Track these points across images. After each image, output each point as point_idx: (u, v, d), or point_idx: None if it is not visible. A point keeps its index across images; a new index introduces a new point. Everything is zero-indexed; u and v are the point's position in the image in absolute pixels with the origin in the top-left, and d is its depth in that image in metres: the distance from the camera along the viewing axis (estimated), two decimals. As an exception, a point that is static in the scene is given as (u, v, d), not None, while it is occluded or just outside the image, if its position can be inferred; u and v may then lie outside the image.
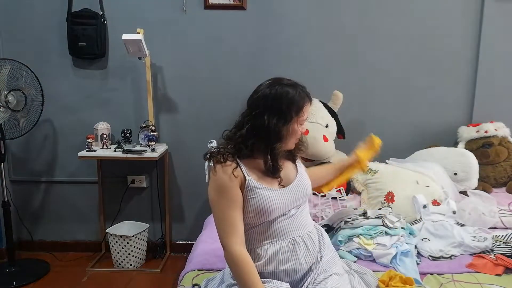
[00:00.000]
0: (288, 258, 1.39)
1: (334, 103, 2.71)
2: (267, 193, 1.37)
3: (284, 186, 1.43)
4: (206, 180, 1.41)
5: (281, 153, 1.41)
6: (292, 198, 1.43)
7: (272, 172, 1.40)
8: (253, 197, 1.36)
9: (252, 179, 1.37)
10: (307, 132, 2.44)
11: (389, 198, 2.24)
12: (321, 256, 1.45)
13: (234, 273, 1.34)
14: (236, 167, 1.36)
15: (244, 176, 1.36)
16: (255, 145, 1.37)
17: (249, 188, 1.36)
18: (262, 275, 1.35)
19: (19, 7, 2.81)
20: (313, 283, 1.39)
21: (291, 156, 1.52)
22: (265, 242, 1.40)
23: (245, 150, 1.37)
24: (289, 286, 1.37)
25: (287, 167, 1.48)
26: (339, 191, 2.36)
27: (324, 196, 2.22)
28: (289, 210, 1.43)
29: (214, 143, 1.51)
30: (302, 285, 1.41)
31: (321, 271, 1.42)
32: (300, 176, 1.49)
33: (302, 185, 1.47)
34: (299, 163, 1.55)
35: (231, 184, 1.34)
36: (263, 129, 1.35)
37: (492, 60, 2.76)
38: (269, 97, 1.37)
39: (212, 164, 1.37)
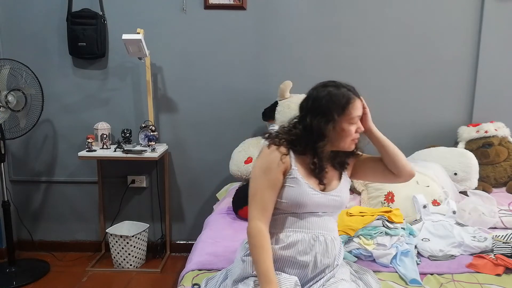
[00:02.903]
0: (306, 251, 1.42)
1: (334, 103, 2.71)
2: (306, 188, 1.41)
3: (323, 191, 1.45)
4: (255, 157, 1.48)
5: (326, 152, 1.43)
6: (325, 205, 1.46)
7: (317, 170, 1.43)
8: (292, 187, 1.41)
9: (297, 170, 1.42)
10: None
11: (389, 198, 2.24)
12: (337, 264, 1.48)
13: (250, 245, 1.39)
14: (287, 155, 1.41)
15: (291, 165, 1.41)
16: (307, 145, 1.42)
17: (291, 176, 1.41)
18: (277, 260, 1.40)
19: (19, 7, 2.81)
20: (323, 286, 1.41)
21: (340, 164, 1.52)
22: (290, 229, 1.44)
23: (299, 147, 1.43)
24: (298, 280, 1.39)
25: (330, 175, 1.49)
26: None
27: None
28: (319, 212, 1.46)
29: (276, 127, 1.54)
30: (311, 286, 1.43)
31: (330, 276, 1.45)
32: (340, 189, 1.50)
33: (338, 197, 1.48)
34: (345, 174, 1.55)
35: (276, 168, 1.39)
36: (308, 130, 1.41)
37: (492, 60, 2.76)
38: (310, 99, 1.44)
39: (268, 143, 1.43)
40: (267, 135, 1.47)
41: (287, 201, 1.40)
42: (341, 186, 1.50)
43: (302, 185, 1.40)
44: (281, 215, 1.44)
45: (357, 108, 1.42)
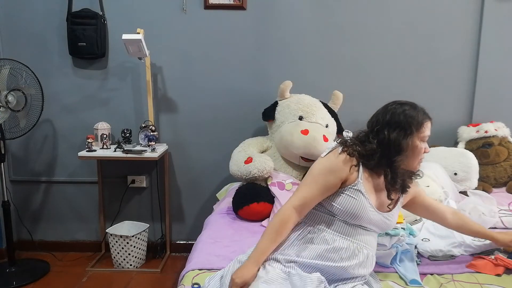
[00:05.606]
0: (349, 258, 1.44)
1: (334, 103, 2.71)
2: (365, 203, 1.44)
3: (379, 210, 1.49)
4: (322, 156, 1.49)
5: (402, 168, 1.45)
6: (376, 224, 1.49)
7: (390, 183, 1.45)
8: (352, 197, 1.44)
9: (362, 183, 1.44)
10: (307, 132, 2.44)
11: (389, 198, 2.23)
12: (366, 280, 1.51)
13: (270, 222, 1.47)
14: (356, 167, 1.44)
15: (358, 177, 1.44)
16: (381, 160, 1.44)
17: (356, 188, 1.44)
18: (318, 257, 1.42)
19: (19, 7, 2.81)
20: None
21: (403, 186, 1.54)
22: (337, 234, 1.46)
23: (372, 162, 1.44)
24: (320, 275, 1.40)
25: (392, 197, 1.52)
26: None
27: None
28: (368, 227, 1.49)
29: (351, 134, 1.54)
30: (339, 285, 1.45)
31: (359, 285, 1.47)
32: (393, 213, 1.53)
33: (389, 220, 1.52)
34: (401, 201, 1.59)
35: (338, 175, 1.43)
36: (385, 143, 1.43)
37: (492, 60, 2.76)
38: (388, 113, 1.46)
39: (341, 149, 1.45)
40: (342, 141, 1.49)
41: (342, 208, 1.43)
42: (394, 211, 1.54)
43: (363, 200, 1.43)
44: (330, 217, 1.47)
45: (429, 128, 1.48)
